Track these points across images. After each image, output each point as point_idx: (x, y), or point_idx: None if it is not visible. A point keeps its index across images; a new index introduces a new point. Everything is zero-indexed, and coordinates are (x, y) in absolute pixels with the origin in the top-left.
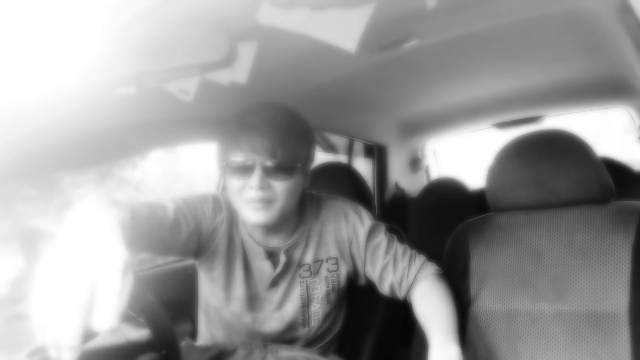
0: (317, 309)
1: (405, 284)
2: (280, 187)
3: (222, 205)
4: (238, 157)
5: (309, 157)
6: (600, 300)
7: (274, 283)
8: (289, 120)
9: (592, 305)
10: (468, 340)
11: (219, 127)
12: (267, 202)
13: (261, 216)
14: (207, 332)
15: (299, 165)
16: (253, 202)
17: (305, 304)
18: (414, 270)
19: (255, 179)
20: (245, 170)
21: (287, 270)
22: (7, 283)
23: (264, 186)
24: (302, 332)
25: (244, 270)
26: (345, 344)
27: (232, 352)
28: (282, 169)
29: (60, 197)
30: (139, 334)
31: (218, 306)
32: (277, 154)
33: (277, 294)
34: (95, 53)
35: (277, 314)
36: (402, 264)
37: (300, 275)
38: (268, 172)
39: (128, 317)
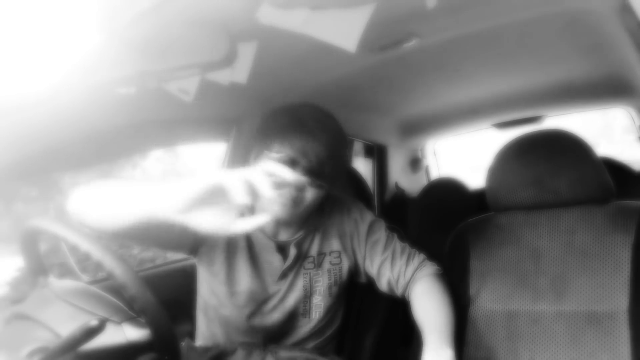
0: (319, 302)
1: (402, 282)
2: (312, 194)
3: None
4: (284, 152)
5: (343, 171)
6: (600, 300)
7: (283, 275)
8: (339, 132)
9: (592, 305)
10: (467, 341)
11: (266, 116)
12: (295, 203)
13: (285, 213)
14: (207, 331)
15: (335, 177)
16: (282, 197)
17: (308, 295)
18: (411, 268)
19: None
20: (285, 166)
21: (294, 262)
22: (7, 283)
23: (299, 188)
24: (302, 322)
25: (249, 264)
26: (345, 342)
27: (232, 352)
28: (322, 178)
29: (60, 197)
30: (139, 334)
31: (217, 303)
32: (324, 164)
33: (283, 286)
34: (95, 53)
35: (280, 305)
36: (400, 261)
37: (304, 267)
38: (307, 177)
39: (128, 317)
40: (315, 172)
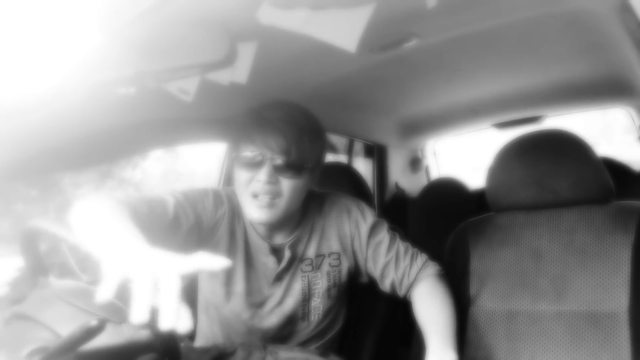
0: (318, 304)
1: (406, 283)
2: (288, 184)
3: (223, 200)
4: (250, 151)
5: (319, 160)
6: (600, 301)
7: (278, 278)
8: (306, 121)
9: (592, 306)
10: (468, 341)
11: (233, 121)
12: (272, 198)
13: (264, 214)
14: (209, 330)
15: (309, 166)
16: (259, 195)
17: (306, 299)
18: (415, 269)
19: (264, 173)
20: (255, 164)
21: (290, 265)
22: (7, 283)
23: (272, 181)
24: (301, 326)
25: (245, 265)
26: (345, 342)
27: (231, 353)
28: (292, 167)
29: (60, 197)
30: (139, 334)
31: (218, 303)
32: (290, 152)
33: (279, 289)
34: (95, 53)
35: (278, 308)
36: (404, 262)
37: (302, 269)
38: (278, 169)
39: (128, 317)
40: (283, 163)
